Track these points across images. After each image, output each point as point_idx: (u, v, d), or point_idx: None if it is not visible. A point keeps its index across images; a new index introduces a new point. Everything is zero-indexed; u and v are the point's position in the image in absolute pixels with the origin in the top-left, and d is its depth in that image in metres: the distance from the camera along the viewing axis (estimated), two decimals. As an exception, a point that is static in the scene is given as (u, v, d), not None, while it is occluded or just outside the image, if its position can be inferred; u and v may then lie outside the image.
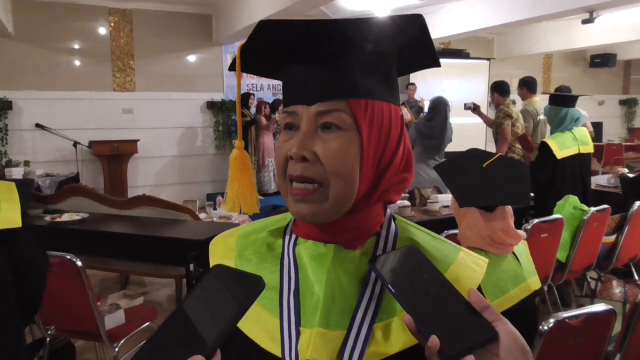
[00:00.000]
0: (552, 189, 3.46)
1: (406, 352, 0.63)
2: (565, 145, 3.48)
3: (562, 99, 3.53)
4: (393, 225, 0.72)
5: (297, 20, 0.62)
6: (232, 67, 0.69)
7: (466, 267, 0.69)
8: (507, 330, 0.56)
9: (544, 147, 3.49)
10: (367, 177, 0.65)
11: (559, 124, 3.51)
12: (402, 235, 0.71)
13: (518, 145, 4.65)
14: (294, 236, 0.72)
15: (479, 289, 0.69)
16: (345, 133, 0.63)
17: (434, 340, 0.54)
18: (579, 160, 3.56)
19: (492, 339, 0.56)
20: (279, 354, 0.63)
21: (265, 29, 0.63)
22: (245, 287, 0.55)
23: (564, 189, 3.44)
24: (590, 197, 3.71)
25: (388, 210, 0.73)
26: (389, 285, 0.59)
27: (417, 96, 8.15)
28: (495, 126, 4.84)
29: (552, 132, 3.60)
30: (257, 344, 0.66)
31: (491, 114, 9.89)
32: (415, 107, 8.23)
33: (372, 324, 0.63)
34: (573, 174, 3.53)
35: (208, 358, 0.51)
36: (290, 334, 0.63)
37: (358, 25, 0.64)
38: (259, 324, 0.66)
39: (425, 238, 0.72)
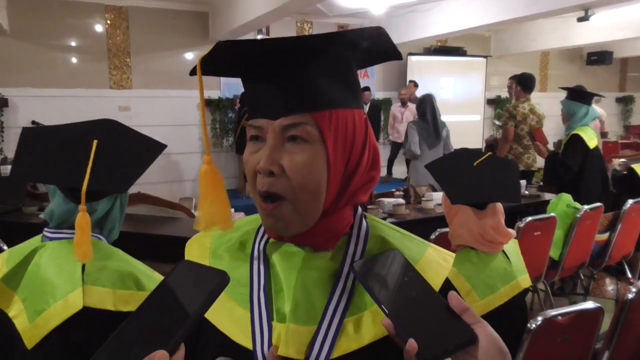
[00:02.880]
0: (582, 177, 3.70)
1: (376, 343, 0.65)
2: (590, 137, 3.71)
3: (585, 96, 3.74)
4: (364, 223, 0.73)
5: (255, 39, 0.62)
6: (192, 72, 0.69)
7: (434, 262, 0.72)
8: (485, 333, 0.57)
9: (577, 138, 3.68)
10: (334, 185, 0.66)
11: (580, 119, 3.70)
12: (373, 233, 0.73)
13: (515, 146, 4.69)
14: (266, 236, 0.73)
15: (449, 283, 0.71)
16: (311, 146, 0.64)
17: (411, 344, 0.55)
18: (599, 151, 3.86)
19: (471, 341, 0.56)
20: (250, 347, 0.66)
21: (224, 49, 0.63)
22: (209, 283, 0.56)
23: (593, 176, 3.73)
24: (608, 183, 3.96)
25: (359, 210, 0.74)
26: (369, 289, 0.60)
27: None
28: (501, 125, 4.84)
29: (570, 126, 3.77)
30: (230, 338, 0.68)
31: (489, 112, 9.93)
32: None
33: (342, 318, 0.65)
34: (598, 163, 3.81)
35: (171, 353, 0.52)
36: (262, 328, 0.66)
37: (317, 41, 0.65)
38: (231, 318, 0.69)
39: (394, 235, 0.74)
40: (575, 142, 3.69)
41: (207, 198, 0.69)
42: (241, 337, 0.67)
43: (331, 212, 0.68)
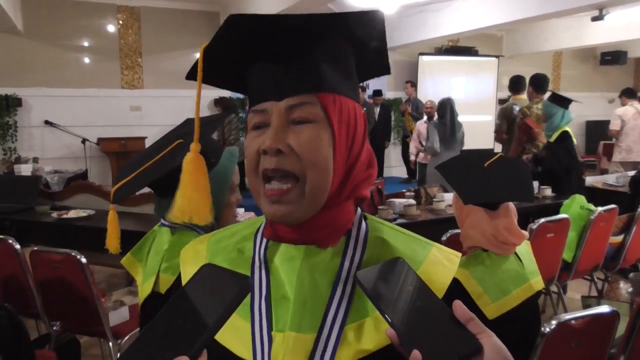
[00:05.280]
0: (573, 170, 4.20)
1: (380, 352, 0.62)
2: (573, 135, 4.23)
3: (564, 101, 4.17)
4: (364, 225, 0.71)
5: (266, 15, 0.61)
6: (189, 76, 0.67)
7: (438, 264, 0.69)
8: (491, 343, 0.56)
9: (567, 135, 4.14)
10: (339, 170, 0.64)
11: (559, 121, 4.14)
12: (373, 235, 0.70)
13: (528, 147, 4.72)
14: (264, 240, 0.70)
15: (460, 286, 0.68)
16: (316, 125, 0.62)
17: (415, 355, 0.53)
18: None
19: (476, 352, 0.55)
20: (251, 359, 0.64)
21: (236, 23, 0.61)
22: (232, 288, 0.55)
23: (578, 170, 4.30)
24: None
25: (359, 210, 0.72)
26: (373, 299, 0.59)
27: (425, 100, 7.86)
28: (516, 125, 4.91)
29: (552, 126, 4.19)
30: (230, 350, 0.65)
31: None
32: (414, 104, 8.09)
33: (343, 325, 0.63)
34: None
35: (193, 359, 0.51)
36: (262, 339, 0.63)
37: (324, 21, 0.63)
38: (231, 330, 0.65)
39: (396, 236, 0.71)
40: (565, 137, 4.13)
41: (187, 188, 0.68)
42: (241, 349, 0.65)
43: (334, 204, 0.66)
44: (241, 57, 0.65)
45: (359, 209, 0.72)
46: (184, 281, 0.72)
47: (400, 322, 0.56)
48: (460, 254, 0.72)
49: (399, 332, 0.56)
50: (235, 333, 0.65)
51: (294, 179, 0.62)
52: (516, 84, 5.17)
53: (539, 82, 4.76)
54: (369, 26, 0.67)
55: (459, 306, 0.58)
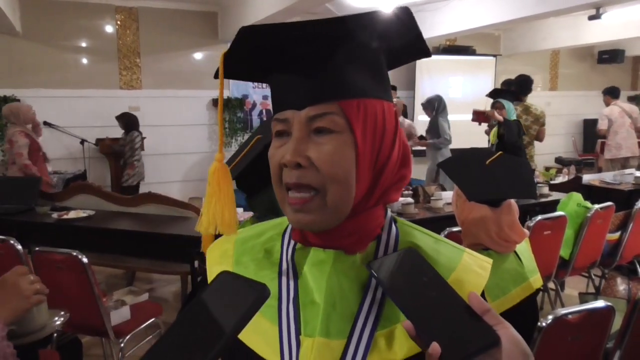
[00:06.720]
0: (521, 148, 5.03)
1: (411, 359, 0.61)
2: None
3: (515, 98, 5.06)
4: (394, 228, 0.69)
5: (280, 23, 0.59)
6: (217, 75, 0.66)
7: (470, 272, 0.67)
8: (508, 335, 0.55)
9: (519, 122, 5.05)
10: (364, 179, 0.63)
11: (512, 115, 4.91)
12: (403, 239, 0.68)
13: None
14: (292, 242, 0.69)
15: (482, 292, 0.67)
16: (338, 135, 0.61)
17: (434, 348, 0.53)
18: None
19: (494, 343, 0.54)
20: None
21: (248, 35, 0.59)
22: (248, 297, 0.53)
23: (524, 152, 5.15)
24: None
25: (389, 213, 0.70)
26: (388, 290, 0.58)
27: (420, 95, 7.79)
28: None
29: (509, 117, 4.99)
30: (257, 353, 0.65)
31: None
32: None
33: (373, 331, 0.61)
34: None
35: None
36: (290, 343, 0.62)
37: (344, 23, 0.61)
38: (258, 333, 0.65)
39: (427, 241, 0.69)
40: (518, 124, 4.89)
41: (212, 197, 0.66)
42: (269, 352, 0.64)
43: (361, 210, 0.64)
44: (261, 64, 0.65)
45: (389, 212, 0.70)
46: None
47: (417, 314, 0.56)
48: (491, 261, 0.70)
49: (416, 324, 0.55)
50: (263, 336, 0.65)
51: (315, 190, 0.61)
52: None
53: (522, 84, 5.39)
54: (396, 22, 0.64)
55: (474, 297, 0.57)
